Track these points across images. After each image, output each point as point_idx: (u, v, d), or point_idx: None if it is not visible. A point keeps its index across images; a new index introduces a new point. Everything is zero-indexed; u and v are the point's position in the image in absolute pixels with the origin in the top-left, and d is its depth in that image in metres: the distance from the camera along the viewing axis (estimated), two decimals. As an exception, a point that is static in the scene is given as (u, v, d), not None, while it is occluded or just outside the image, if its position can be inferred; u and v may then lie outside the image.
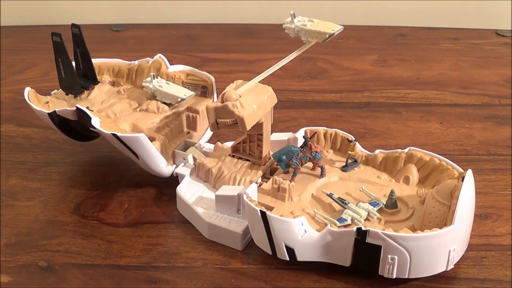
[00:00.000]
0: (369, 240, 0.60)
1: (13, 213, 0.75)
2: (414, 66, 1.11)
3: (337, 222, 0.64)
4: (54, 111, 0.76)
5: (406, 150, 0.73)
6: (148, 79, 0.82)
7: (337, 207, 0.68)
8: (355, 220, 0.65)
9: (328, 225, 0.62)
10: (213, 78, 0.82)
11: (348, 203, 0.67)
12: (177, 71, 0.85)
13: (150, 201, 0.77)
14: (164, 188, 0.78)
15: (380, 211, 0.67)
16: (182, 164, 0.77)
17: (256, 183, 0.71)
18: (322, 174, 0.72)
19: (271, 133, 0.75)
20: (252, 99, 0.68)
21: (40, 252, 0.69)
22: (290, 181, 0.69)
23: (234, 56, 1.15)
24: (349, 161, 0.74)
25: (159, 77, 0.83)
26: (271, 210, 0.65)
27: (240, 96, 0.68)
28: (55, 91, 0.86)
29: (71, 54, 0.82)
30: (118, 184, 0.80)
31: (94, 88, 0.85)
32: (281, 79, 1.05)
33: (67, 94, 0.84)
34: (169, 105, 0.81)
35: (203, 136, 0.82)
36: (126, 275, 0.66)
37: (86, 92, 0.84)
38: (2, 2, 1.32)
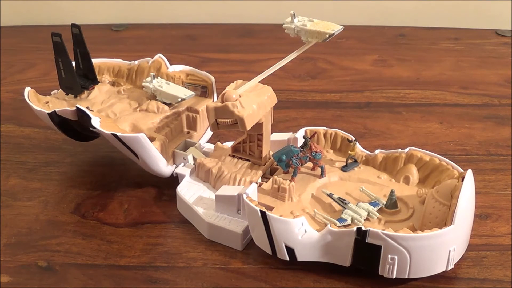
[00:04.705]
0: (369, 240, 0.60)
1: (13, 213, 0.75)
2: (414, 66, 1.11)
3: (337, 222, 0.64)
4: (54, 111, 0.76)
5: (406, 150, 0.73)
6: (148, 79, 0.82)
7: (337, 207, 0.68)
8: (355, 220, 0.65)
9: (328, 225, 0.62)
10: (213, 78, 0.82)
11: (348, 203, 0.67)
12: (177, 71, 0.85)
13: (150, 201, 0.77)
14: (164, 188, 0.78)
15: (380, 211, 0.67)
16: (182, 164, 0.77)
17: (256, 183, 0.71)
18: (322, 174, 0.72)
19: (271, 133, 0.75)
20: (252, 99, 0.68)
21: (40, 252, 0.69)
22: (290, 181, 0.69)
23: (234, 56, 1.15)
24: (349, 161, 0.74)
25: (159, 77, 0.83)
26: (271, 210, 0.65)
27: (240, 96, 0.68)
28: (55, 91, 0.86)
29: (71, 54, 0.82)
30: (118, 184, 0.80)
31: (94, 88, 0.84)
32: (281, 79, 1.04)
33: (67, 94, 0.84)
34: (169, 105, 0.81)
35: (203, 136, 0.82)
36: (126, 275, 0.66)
37: (86, 92, 0.84)
38: (2, 2, 1.32)
